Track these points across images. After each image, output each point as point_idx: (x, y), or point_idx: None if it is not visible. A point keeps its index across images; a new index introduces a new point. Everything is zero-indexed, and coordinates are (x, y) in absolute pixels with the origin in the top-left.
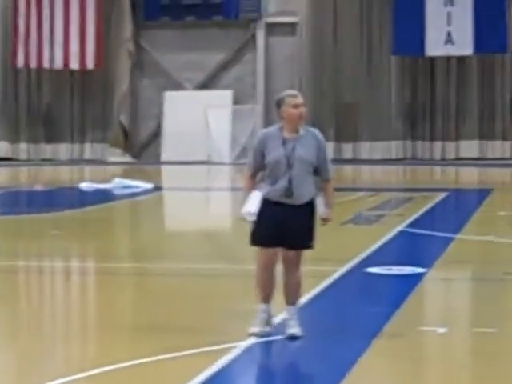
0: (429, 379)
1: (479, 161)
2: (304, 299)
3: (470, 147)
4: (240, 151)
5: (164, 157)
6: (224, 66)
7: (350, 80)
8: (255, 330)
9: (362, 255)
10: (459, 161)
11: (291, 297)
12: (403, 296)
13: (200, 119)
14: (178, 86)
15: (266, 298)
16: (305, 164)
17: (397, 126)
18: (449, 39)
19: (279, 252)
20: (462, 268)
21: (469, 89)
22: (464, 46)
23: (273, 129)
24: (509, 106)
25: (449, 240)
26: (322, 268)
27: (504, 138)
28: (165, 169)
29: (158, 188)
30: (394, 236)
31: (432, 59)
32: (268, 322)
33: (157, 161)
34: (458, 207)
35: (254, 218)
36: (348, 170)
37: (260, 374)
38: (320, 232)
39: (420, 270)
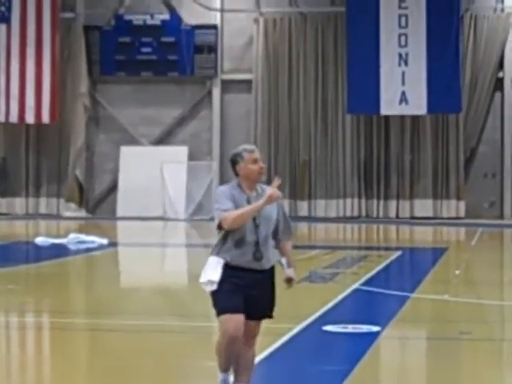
0: None
1: (434, 220)
2: (260, 357)
3: (424, 206)
4: (195, 207)
5: (119, 212)
6: (180, 122)
7: (305, 137)
8: None
9: (317, 313)
10: (414, 220)
11: (247, 374)
12: (359, 355)
13: (156, 175)
14: (133, 142)
15: (229, 367)
16: (270, 223)
17: (352, 184)
18: (403, 98)
19: None
20: (418, 327)
21: (423, 148)
22: (418, 106)
23: (231, 186)
24: (463, 165)
25: (404, 299)
26: (277, 326)
27: (458, 198)
28: (120, 224)
29: (113, 243)
30: (350, 294)
31: (387, 118)
32: None
33: (112, 216)
34: (413, 266)
35: (214, 288)
36: (303, 227)
37: None
38: (276, 291)
39: (376, 328)
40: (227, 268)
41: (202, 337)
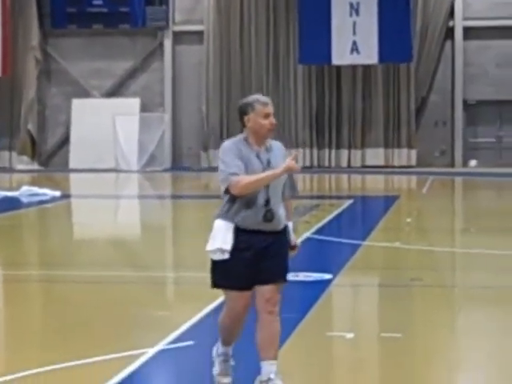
0: (336, 381)
1: (385, 168)
2: (210, 306)
3: (375, 155)
4: (148, 159)
5: (72, 164)
6: (132, 74)
7: (257, 88)
8: (226, 380)
9: None
10: (365, 168)
11: (273, 350)
12: (311, 302)
13: (108, 127)
14: (85, 94)
15: (231, 342)
16: (280, 181)
17: (304, 134)
18: (354, 48)
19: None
20: (369, 274)
21: (374, 97)
22: (369, 56)
23: (237, 140)
24: (414, 114)
25: (356, 247)
26: None
27: (409, 146)
28: (73, 176)
29: (65, 196)
30: (302, 243)
31: (338, 68)
32: (227, 366)
33: (65, 168)
34: (365, 214)
35: (226, 257)
36: None
37: (167, 380)
38: None
39: (327, 276)
40: (237, 233)
41: (156, 287)
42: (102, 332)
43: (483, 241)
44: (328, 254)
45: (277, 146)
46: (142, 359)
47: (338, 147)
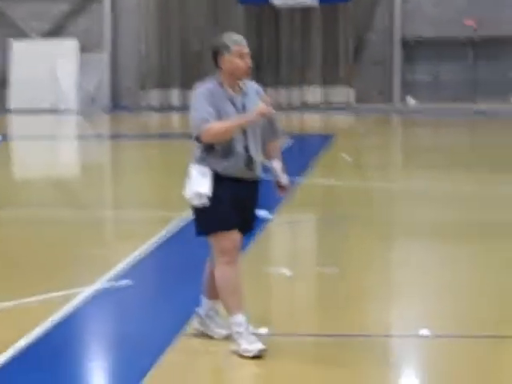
0: (273, 317)
1: (323, 106)
2: (149, 245)
3: (314, 93)
4: (87, 99)
5: (11, 105)
6: (70, 15)
7: (197, 28)
8: (259, 346)
9: None
10: (304, 107)
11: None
12: (249, 239)
13: (47, 68)
14: (24, 35)
15: (240, 303)
16: (256, 126)
17: None
18: None
19: None
20: (306, 211)
21: (313, 37)
22: None
23: (211, 84)
24: (353, 53)
25: (292, 184)
26: (167, 214)
27: (348, 84)
28: (12, 118)
29: (4, 137)
30: None
31: (278, 8)
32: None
33: (3, 110)
34: (303, 152)
35: (205, 201)
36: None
37: (104, 319)
38: (165, 179)
39: (265, 214)
40: (218, 179)
41: (95, 226)
42: (39, 271)
43: (419, 177)
44: (265, 192)
45: (253, 88)
46: (80, 298)
47: (277, 85)
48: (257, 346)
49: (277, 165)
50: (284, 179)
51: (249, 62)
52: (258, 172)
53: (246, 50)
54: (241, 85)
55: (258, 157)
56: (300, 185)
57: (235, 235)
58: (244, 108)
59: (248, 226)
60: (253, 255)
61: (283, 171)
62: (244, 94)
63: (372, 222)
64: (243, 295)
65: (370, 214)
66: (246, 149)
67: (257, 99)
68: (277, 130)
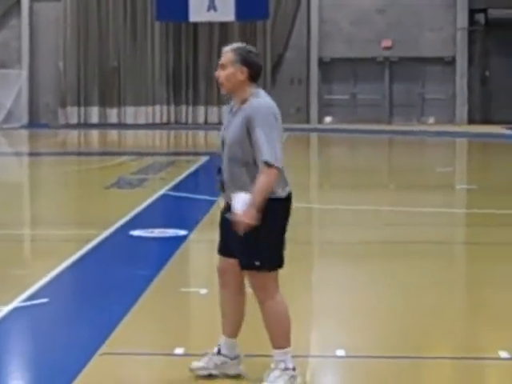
0: (191, 337)
1: None
2: (66, 264)
3: None
4: (5, 116)
5: None
6: None
7: (115, 44)
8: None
9: (124, 218)
10: (221, 125)
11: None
12: (166, 258)
13: None
14: None
15: (223, 326)
16: (228, 149)
17: (161, 91)
18: (211, 5)
19: None
20: None
21: None
22: (226, 13)
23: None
24: (270, 72)
25: (211, 203)
26: (85, 232)
27: None
28: None
29: None
30: (157, 199)
31: (195, 25)
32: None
33: None
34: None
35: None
36: (113, 134)
37: (21, 337)
38: (83, 196)
39: (183, 232)
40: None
41: (12, 244)
42: None
43: (336, 196)
44: (183, 211)
45: (245, 111)
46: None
47: (195, 104)
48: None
49: (238, 195)
50: (231, 214)
51: (217, 73)
52: (229, 196)
53: (222, 60)
54: (240, 100)
55: (228, 180)
56: (218, 203)
57: (220, 259)
58: (225, 128)
59: (227, 250)
60: (168, 274)
61: (241, 204)
62: (234, 112)
63: (292, 242)
64: (229, 320)
65: (290, 234)
66: (219, 170)
67: (238, 123)
68: (259, 154)
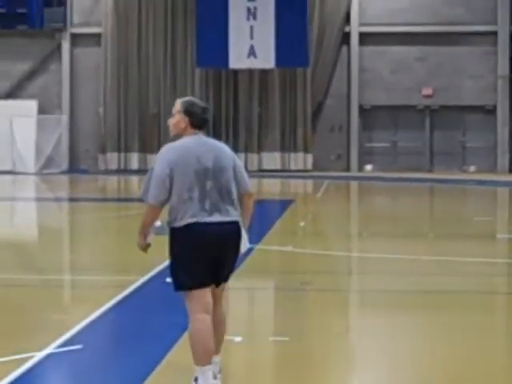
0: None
1: (281, 172)
2: (102, 310)
3: (272, 159)
4: (45, 161)
5: None
6: (29, 76)
7: (155, 91)
8: None
9: (161, 265)
10: (262, 172)
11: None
12: None
13: (5, 129)
14: None
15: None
16: None
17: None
18: (251, 52)
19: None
20: (261, 278)
21: (271, 101)
22: (266, 60)
23: None
24: (311, 119)
25: (249, 250)
26: (122, 278)
27: (306, 151)
28: None
29: None
30: None
31: (235, 72)
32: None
33: None
34: (260, 217)
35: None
36: None
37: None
38: (121, 243)
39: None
40: None
41: (50, 290)
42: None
43: (375, 245)
44: None
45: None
46: (30, 363)
47: (235, 151)
48: None
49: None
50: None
51: (168, 121)
52: None
53: (174, 108)
54: None
55: None
56: (256, 251)
57: None
58: None
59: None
60: None
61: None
62: None
63: (326, 290)
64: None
65: (324, 282)
66: None
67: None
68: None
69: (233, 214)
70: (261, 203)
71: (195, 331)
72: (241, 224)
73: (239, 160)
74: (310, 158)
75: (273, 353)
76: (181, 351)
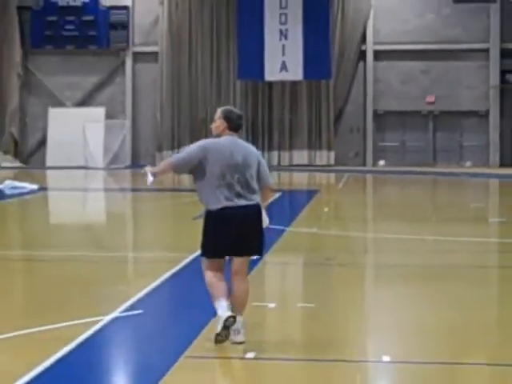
0: (261, 343)
1: (308, 167)
2: (159, 281)
3: (301, 156)
4: (111, 158)
5: (48, 162)
6: (98, 87)
7: (203, 99)
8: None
9: None
10: (292, 167)
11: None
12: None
13: (78, 131)
14: (60, 104)
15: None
16: None
17: (241, 139)
18: (283, 67)
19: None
20: (292, 254)
21: (300, 108)
22: (296, 73)
23: None
24: (333, 122)
25: (281, 232)
26: (175, 255)
27: (329, 149)
28: (48, 173)
29: (42, 189)
30: None
31: (270, 83)
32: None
33: (42, 166)
34: (290, 204)
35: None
36: None
37: (118, 342)
38: (174, 226)
39: (256, 256)
40: None
41: (116, 265)
42: (67, 302)
43: (387, 227)
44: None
45: None
46: (99, 325)
47: (270, 149)
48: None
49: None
50: None
51: (211, 125)
52: None
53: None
54: None
55: None
56: (287, 232)
57: None
58: None
59: None
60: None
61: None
62: None
63: (346, 265)
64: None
65: (345, 257)
66: None
67: None
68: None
69: (254, 199)
70: (291, 193)
71: (208, 280)
72: (261, 207)
73: (263, 159)
74: (332, 154)
75: (300, 317)
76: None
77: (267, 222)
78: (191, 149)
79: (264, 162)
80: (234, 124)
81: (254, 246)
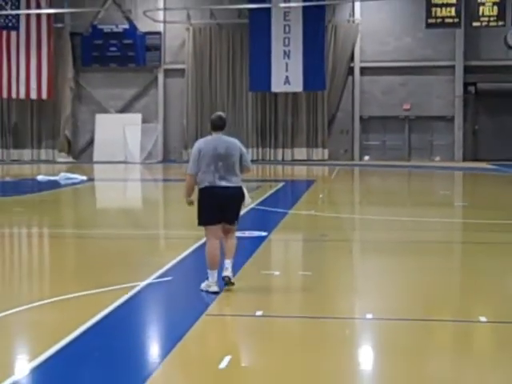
0: (269, 303)
1: (307, 161)
2: (185, 253)
3: (301, 152)
4: (146, 155)
5: (95, 158)
6: (136, 98)
7: (221, 107)
8: (215, 289)
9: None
10: (294, 161)
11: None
12: (253, 250)
13: (120, 133)
14: (105, 111)
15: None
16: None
17: (252, 138)
18: (286, 81)
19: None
20: (293, 232)
21: (300, 114)
22: (297, 85)
23: None
24: (327, 125)
25: (284, 214)
26: (199, 233)
27: (323, 147)
28: (95, 166)
29: (91, 179)
30: (248, 211)
31: (276, 94)
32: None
33: (90, 161)
34: (292, 192)
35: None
36: None
37: (151, 303)
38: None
39: (264, 233)
40: None
41: (149, 241)
42: (108, 272)
43: (371, 210)
44: (266, 219)
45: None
46: (136, 289)
47: (276, 147)
48: (212, 289)
49: None
50: None
51: None
52: None
53: None
54: None
55: None
56: (289, 214)
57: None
58: None
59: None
60: (254, 262)
61: None
62: None
63: (338, 241)
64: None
65: (337, 234)
66: None
67: None
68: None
69: (234, 181)
70: (293, 182)
71: (208, 248)
72: (243, 187)
73: (245, 149)
74: (326, 151)
75: (301, 283)
76: (241, 278)
77: (249, 201)
78: (193, 153)
79: (245, 151)
80: (213, 125)
81: (233, 217)
